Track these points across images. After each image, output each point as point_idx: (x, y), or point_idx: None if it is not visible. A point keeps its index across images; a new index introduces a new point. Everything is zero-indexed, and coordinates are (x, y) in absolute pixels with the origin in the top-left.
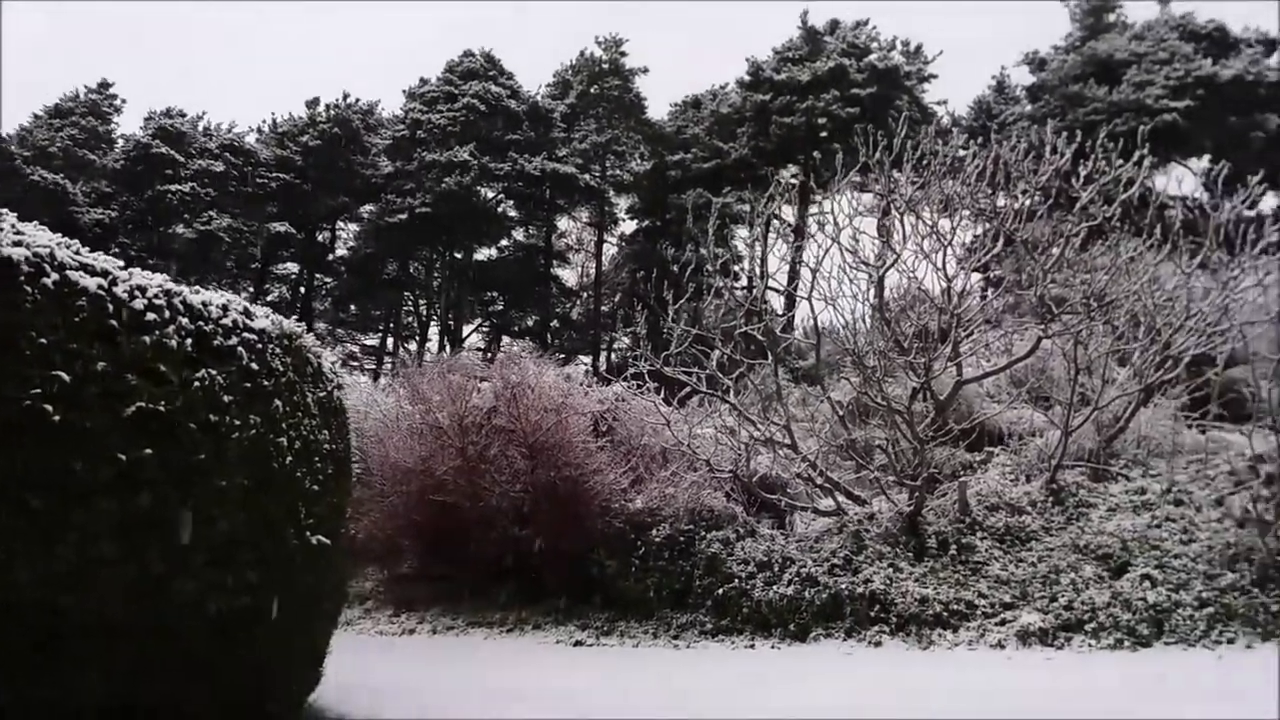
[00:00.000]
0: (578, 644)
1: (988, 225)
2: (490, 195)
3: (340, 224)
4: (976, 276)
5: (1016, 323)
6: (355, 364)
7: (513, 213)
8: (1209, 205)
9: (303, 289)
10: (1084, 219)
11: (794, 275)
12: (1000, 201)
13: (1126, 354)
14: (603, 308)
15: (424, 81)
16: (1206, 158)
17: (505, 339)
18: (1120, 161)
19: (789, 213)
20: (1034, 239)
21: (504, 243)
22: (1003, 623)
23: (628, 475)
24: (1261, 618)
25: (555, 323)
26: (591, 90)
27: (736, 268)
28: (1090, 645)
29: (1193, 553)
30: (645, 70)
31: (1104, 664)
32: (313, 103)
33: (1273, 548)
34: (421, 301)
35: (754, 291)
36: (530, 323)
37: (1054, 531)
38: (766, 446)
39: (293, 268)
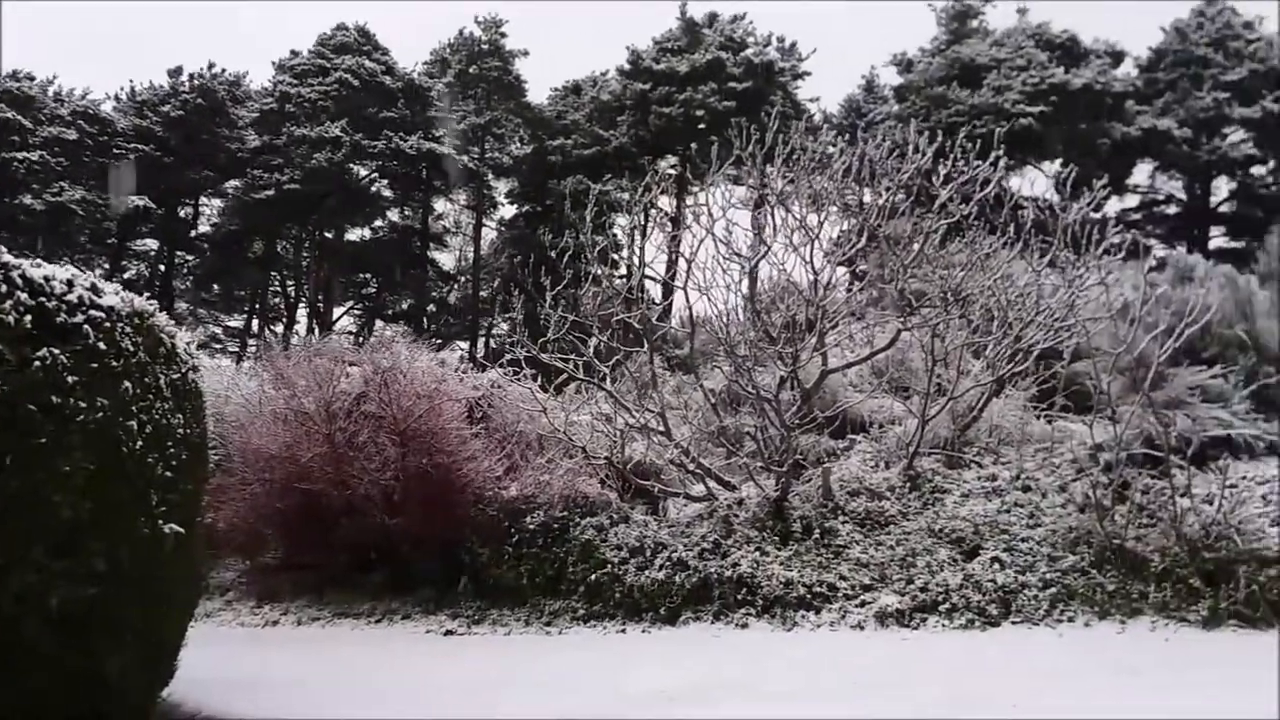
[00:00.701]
0: (448, 633)
1: (854, 221)
2: (363, 174)
3: (203, 199)
4: (843, 270)
5: (879, 316)
6: (218, 346)
7: (387, 193)
8: (1059, 207)
9: (162, 266)
10: (943, 216)
11: (672, 265)
12: (866, 198)
13: (980, 347)
14: (481, 293)
15: (294, 54)
16: (1059, 161)
17: (378, 323)
18: (979, 163)
19: (667, 203)
20: (896, 235)
21: (378, 223)
22: (862, 604)
23: (502, 462)
24: (1099, 597)
25: (431, 307)
26: (470, 70)
27: (616, 256)
28: (944, 625)
29: (1038, 536)
30: (526, 53)
31: (950, 642)
32: (175, 71)
33: (1110, 531)
34: (289, 282)
35: (632, 280)
36: (405, 306)
37: (911, 516)
38: (641, 433)
39: (152, 244)
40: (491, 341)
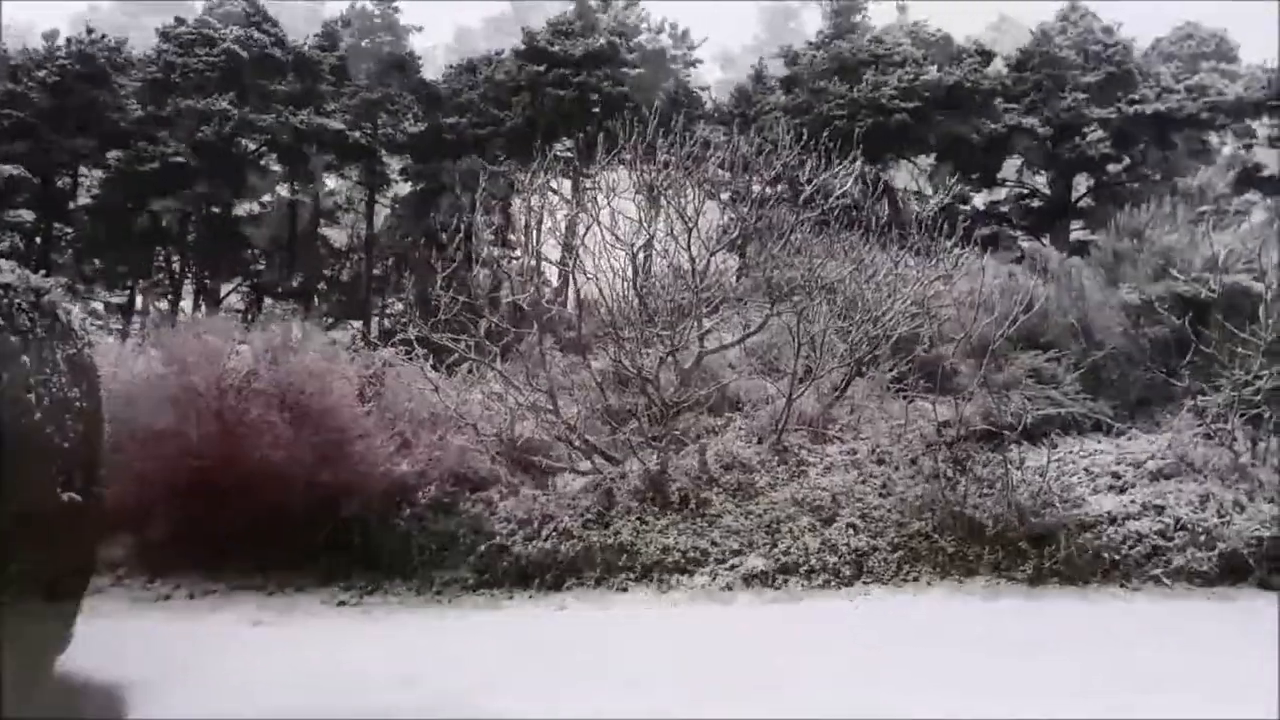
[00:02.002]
0: (341, 604)
1: (731, 212)
2: (252, 148)
3: (84, 170)
4: (723, 257)
5: (755, 301)
6: (99, 323)
7: (276, 167)
8: (925, 198)
9: (39, 239)
10: (810, 209)
11: (566, 248)
12: (755, 188)
13: (845, 331)
14: (375, 271)
15: (180, 21)
16: (933, 155)
17: (268, 300)
18: (850, 157)
19: (564, 185)
20: (770, 226)
21: (267, 198)
22: (732, 568)
23: (394, 440)
24: (940, 559)
25: (322, 285)
26: (363, 44)
27: (511, 236)
28: (803, 585)
29: (889, 504)
30: (420, 29)
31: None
32: (50, 35)
33: (951, 500)
34: (175, 258)
35: (524, 261)
36: (295, 284)
37: (778, 487)
38: (531, 412)
39: (27, 215)
40: (386, 320)
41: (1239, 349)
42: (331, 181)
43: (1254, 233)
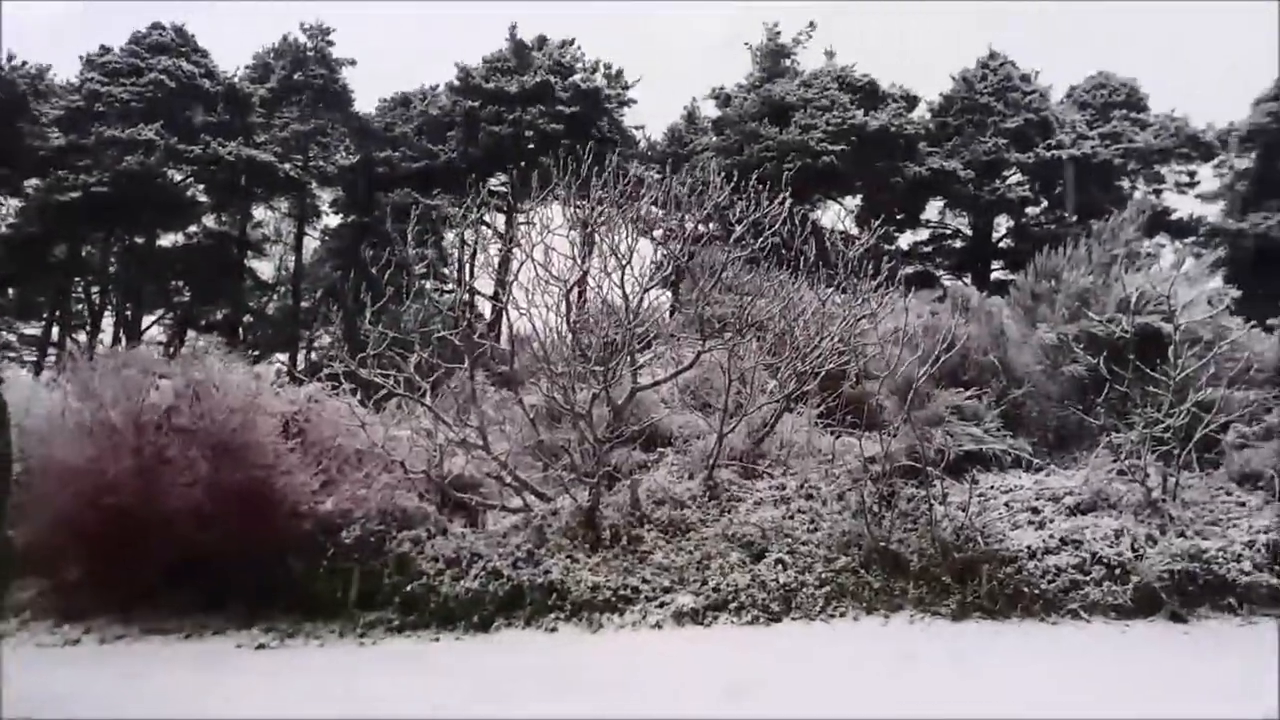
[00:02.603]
0: (260, 647)
1: (664, 250)
2: (178, 178)
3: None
4: (656, 293)
5: (687, 337)
6: (13, 355)
7: (203, 198)
8: (853, 239)
9: None
10: (740, 248)
11: (499, 283)
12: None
13: (775, 368)
14: (303, 304)
15: (105, 50)
16: (859, 196)
17: (191, 333)
18: (781, 198)
19: (498, 220)
20: (702, 264)
21: (193, 229)
22: (662, 605)
23: (319, 477)
24: (866, 594)
25: (248, 317)
26: (295, 77)
27: (445, 270)
28: (733, 622)
29: (817, 539)
30: (354, 62)
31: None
32: None
33: (877, 535)
34: (94, 288)
35: (456, 296)
36: (220, 316)
37: (709, 523)
38: (462, 448)
39: None
40: (313, 354)
41: (1150, 388)
42: (260, 213)
43: (1163, 275)
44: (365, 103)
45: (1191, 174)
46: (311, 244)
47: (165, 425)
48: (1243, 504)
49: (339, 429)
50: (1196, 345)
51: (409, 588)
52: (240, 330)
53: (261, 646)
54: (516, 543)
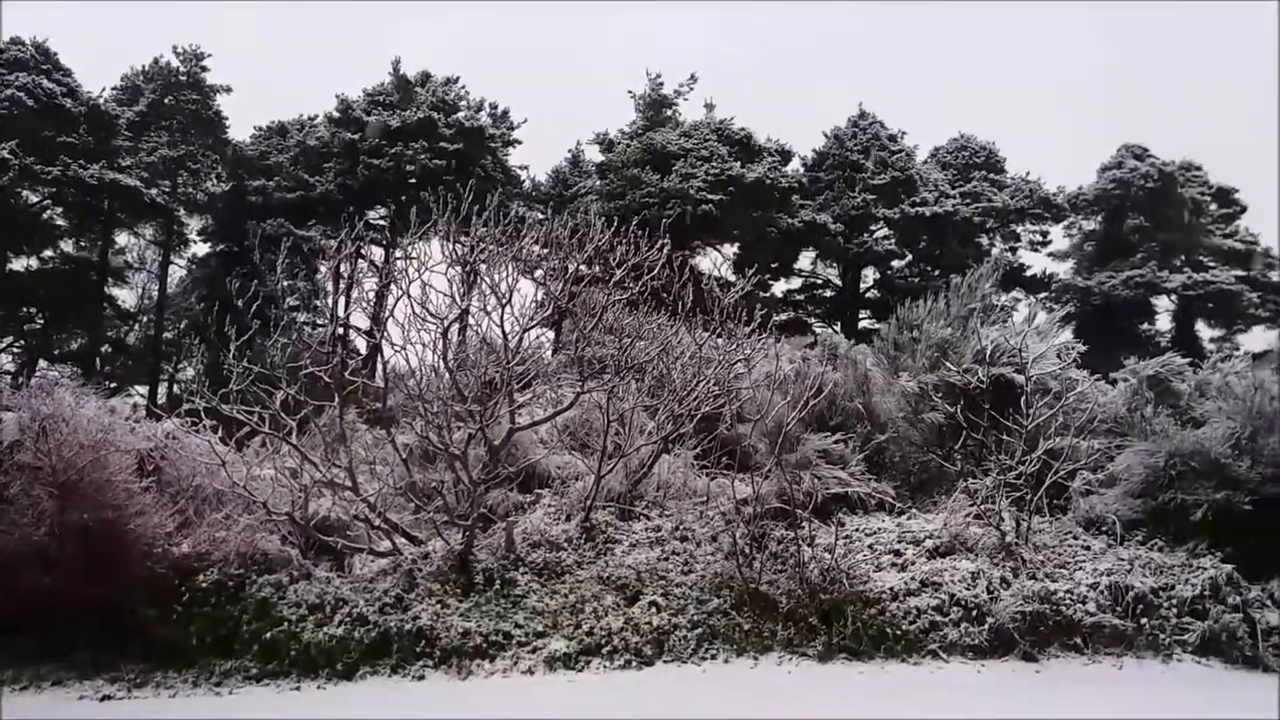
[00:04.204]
0: (105, 698)
1: (545, 290)
2: (34, 200)
3: None
4: (537, 333)
5: (567, 378)
6: None
7: (61, 221)
8: (730, 285)
9: None
10: (620, 291)
11: (376, 318)
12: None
13: (653, 410)
14: (165, 335)
15: None
16: (736, 245)
17: (43, 363)
18: (661, 243)
19: (376, 254)
20: (583, 305)
21: (48, 253)
22: (534, 650)
23: (175, 518)
24: (738, 635)
25: (106, 348)
26: (165, 101)
27: (318, 303)
28: (605, 666)
29: (690, 581)
30: (229, 89)
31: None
32: None
33: (748, 576)
34: None
35: (329, 330)
36: (75, 346)
37: (585, 565)
38: (329, 489)
39: None
40: (175, 388)
41: (1004, 436)
42: (123, 239)
43: (1017, 329)
44: (240, 130)
45: (1044, 233)
46: (177, 273)
47: (7, 461)
48: (1088, 548)
49: (198, 468)
50: (1046, 396)
51: (269, 634)
52: (97, 361)
53: (106, 698)
54: (385, 588)
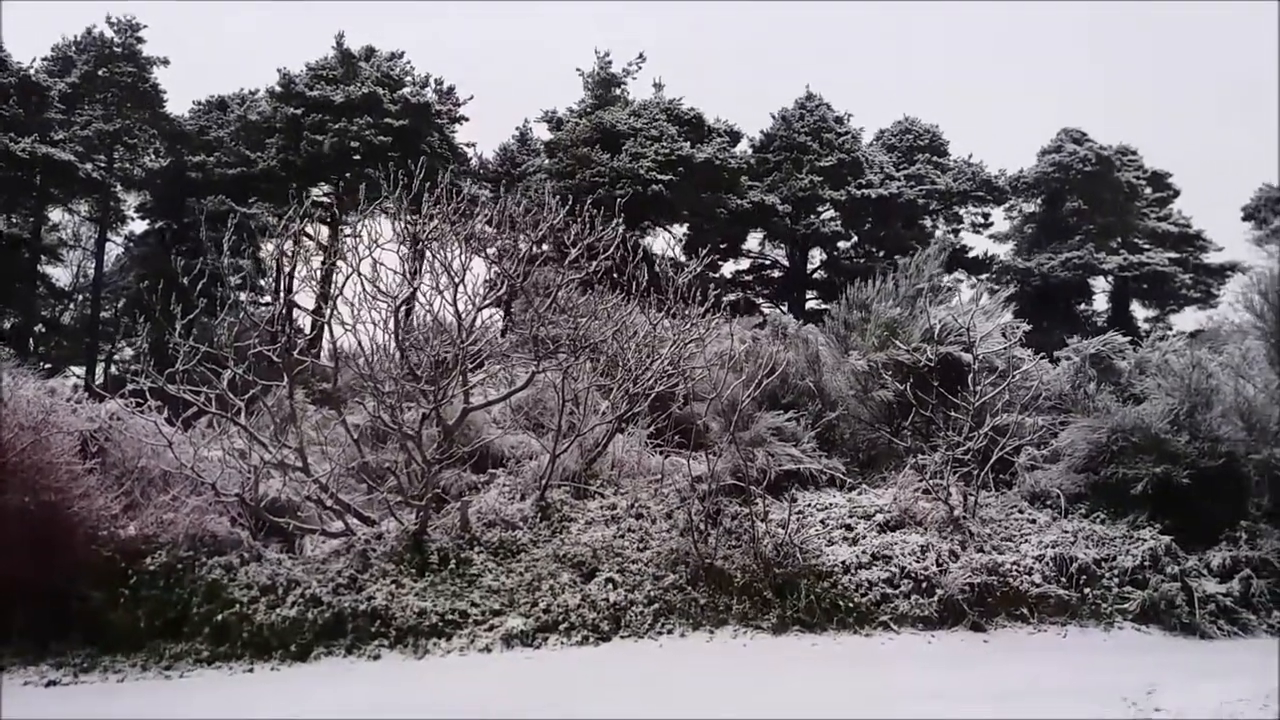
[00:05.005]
0: (51, 684)
1: (497, 269)
2: None
3: None
4: (489, 313)
5: (520, 357)
6: None
7: None
8: (682, 266)
9: None
10: (574, 270)
11: (323, 297)
12: (512, 246)
13: (607, 389)
14: (103, 314)
15: None
16: (686, 225)
17: None
18: (615, 222)
19: (321, 231)
20: (536, 284)
21: None
22: (491, 628)
23: (120, 500)
24: (693, 610)
25: (40, 327)
26: (100, 73)
27: (263, 282)
28: (563, 643)
29: (646, 558)
30: (166, 61)
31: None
32: None
33: (703, 552)
34: None
35: (275, 310)
36: (8, 325)
37: (540, 544)
38: (279, 470)
39: None
40: (114, 368)
41: (952, 413)
42: (57, 215)
43: (963, 308)
44: (179, 105)
45: (986, 215)
46: (114, 250)
47: None
48: (1033, 521)
49: (143, 449)
50: (992, 374)
51: (220, 617)
52: (31, 341)
53: (52, 684)
54: (338, 568)
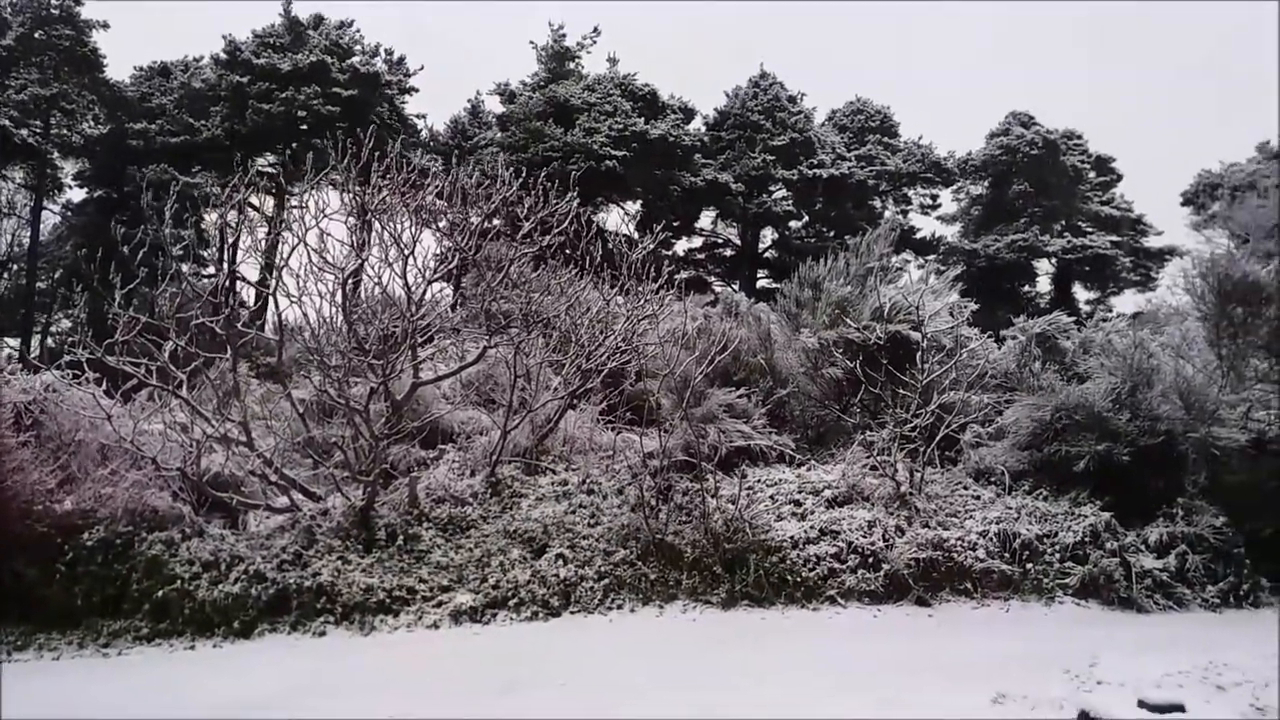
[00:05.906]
0: None
1: (449, 242)
2: None
3: None
4: (439, 287)
5: (471, 332)
6: None
7: None
8: (635, 242)
9: None
10: (527, 245)
11: (267, 268)
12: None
13: (559, 365)
14: (39, 284)
15: None
16: (639, 202)
17: None
18: (569, 198)
19: (267, 202)
20: (488, 258)
21: None
22: (439, 605)
23: (56, 474)
24: (644, 585)
25: None
26: (36, 35)
27: (205, 253)
28: (512, 618)
29: (597, 534)
30: (106, 25)
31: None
32: None
33: (654, 528)
34: None
35: (218, 281)
36: None
37: (490, 520)
38: (221, 444)
39: None
40: (50, 340)
41: (900, 390)
42: None
43: (913, 288)
44: (119, 70)
45: (934, 197)
46: (51, 219)
47: None
48: (978, 497)
49: (81, 422)
50: (940, 353)
51: (160, 593)
52: None
53: None
54: (282, 544)
